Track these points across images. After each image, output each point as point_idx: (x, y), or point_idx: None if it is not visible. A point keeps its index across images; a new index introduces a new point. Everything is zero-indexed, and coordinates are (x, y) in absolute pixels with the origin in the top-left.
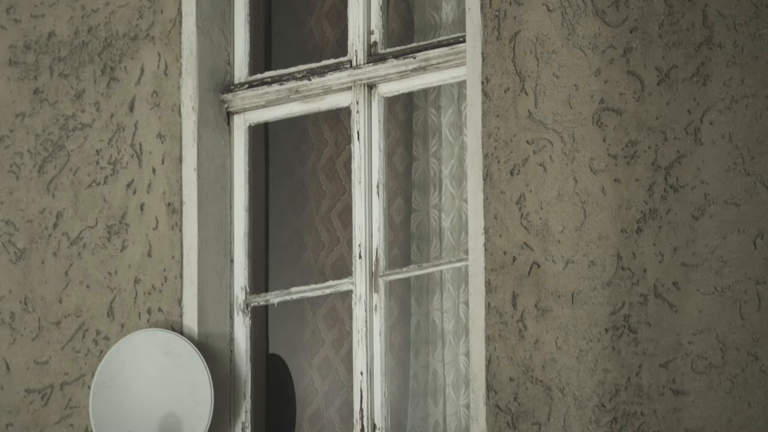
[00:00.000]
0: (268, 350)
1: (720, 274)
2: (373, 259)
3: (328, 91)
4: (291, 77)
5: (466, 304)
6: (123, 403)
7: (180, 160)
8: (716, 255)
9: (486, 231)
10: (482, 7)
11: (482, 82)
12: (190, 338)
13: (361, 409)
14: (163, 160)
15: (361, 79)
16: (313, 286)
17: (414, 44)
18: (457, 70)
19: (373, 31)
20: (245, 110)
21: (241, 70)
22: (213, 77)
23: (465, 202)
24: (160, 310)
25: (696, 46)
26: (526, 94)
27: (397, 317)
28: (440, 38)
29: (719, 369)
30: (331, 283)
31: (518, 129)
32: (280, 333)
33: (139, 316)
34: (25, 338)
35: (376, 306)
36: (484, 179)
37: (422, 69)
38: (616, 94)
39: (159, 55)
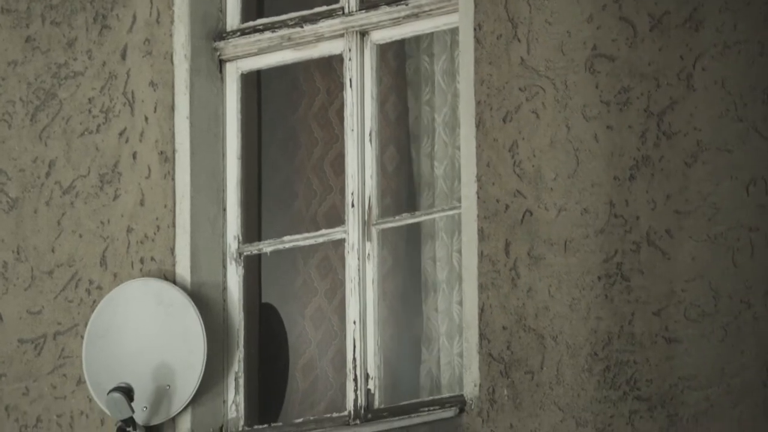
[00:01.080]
0: (261, 299)
1: (713, 221)
2: (366, 207)
3: (320, 38)
4: (283, 24)
5: (460, 252)
6: (116, 352)
7: (172, 108)
8: (709, 202)
9: (479, 179)
10: None
11: (474, 29)
12: (183, 287)
13: (354, 359)
14: (155, 108)
15: (353, 26)
16: (306, 234)
17: None
18: (449, 17)
19: None
20: (237, 58)
21: (233, 18)
22: (205, 25)
23: (458, 150)
24: (152, 259)
25: None
26: (519, 40)
27: (390, 266)
28: None
29: (712, 317)
30: (323, 231)
31: (511, 76)
32: (273, 282)
33: (132, 266)
34: (18, 288)
35: (369, 255)
36: (477, 127)
37: (414, 16)
38: (608, 41)
39: (151, 2)
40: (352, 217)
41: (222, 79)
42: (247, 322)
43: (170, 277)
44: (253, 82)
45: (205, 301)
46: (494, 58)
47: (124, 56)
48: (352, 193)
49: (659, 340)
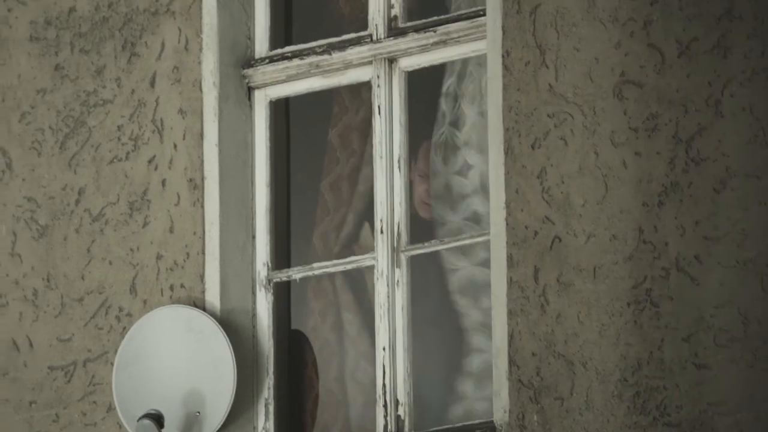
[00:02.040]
0: (291, 326)
1: (742, 247)
2: (395, 234)
3: (348, 65)
4: (311, 52)
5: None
6: (146, 379)
7: (201, 135)
8: (738, 228)
9: (507, 205)
10: None
11: (503, 56)
12: (213, 314)
13: (384, 385)
14: (184, 135)
15: (381, 54)
16: (335, 261)
17: (434, 18)
18: (477, 43)
19: (393, 4)
20: (266, 85)
21: (261, 45)
22: (234, 52)
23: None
24: (182, 286)
25: (716, 18)
26: (547, 67)
27: (419, 291)
28: (460, 12)
29: (741, 342)
30: (352, 258)
31: (539, 102)
32: (303, 308)
33: (162, 293)
34: (48, 315)
35: (398, 281)
36: (505, 153)
37: (443, 43)
38: (636, 67)
39: (179, 30)
40: (381, 243)
41: (251, 107)
42: (277, 348)
43: (200, 304)
44: (281, 109)
45: (235, 327)
46: (522, 84)
47: (152, 84)
48: (381, 220)
49: (689, 365)
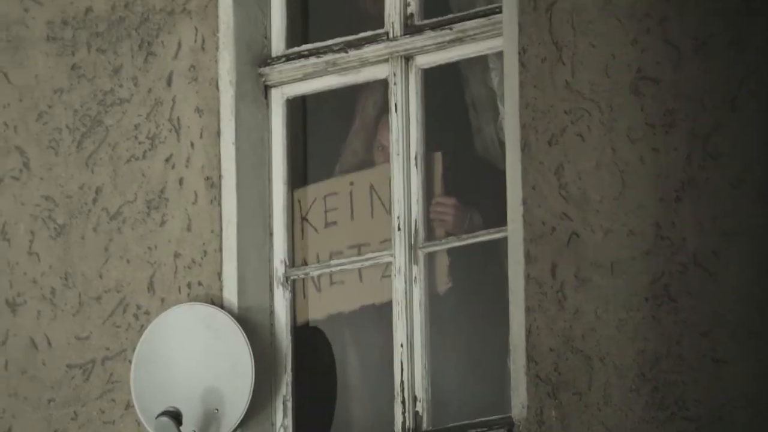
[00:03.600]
0: (309, 323)
1: (759, 243)
2: (412, 231)
3: (365, 63)
4: (328, 50)
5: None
6: (164, 377)
7: (218, 134)
8: (755, 223)
9: (525, 201)
10: None
11: (519, 53)
12: (231, 312)
13: (402, 381)
14: (201, 134)
15: (398, 51)
16: (353, 258)
17: (450, 15)
18: (493, 41)
19: (409, 2)
20: (283, 83)
21: (278, 44)
22: (250, 51)
23: None
24: (200, 284)
25: (733, 13)
26: (563, 63)
27: (438, 288)
28: (476, 9)
29: (759, 337)
30: (370, 255)
31: (556, 99)
32: (321, 305)
33: (179, 291)
34: (66, 314)
35: (415, 278)
36: (522, 150)
37: (459, 40)
38: (653, 63)
39: (196, 29)
40: (399, 240)
41: (267, 105)
42: (295, 345)
43: (217, 302)
44: (298, 106)
45: (252, 325)
46: (539, 81)
47: (169, 83)
48: (399, 217)
49: (707, 360)
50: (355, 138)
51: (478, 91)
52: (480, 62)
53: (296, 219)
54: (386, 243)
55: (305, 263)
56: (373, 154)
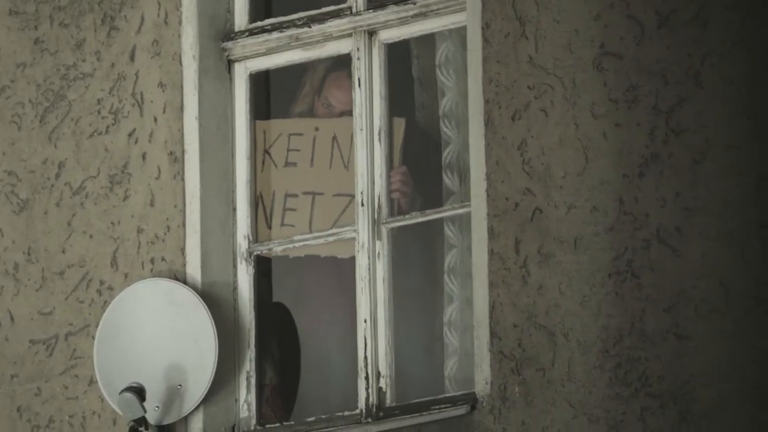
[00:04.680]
0: (272, 298)
1: (723, 218)
2: (375, 206)
3: (328, 38)
4: (291, 24)
5: (469, 249)
6: (127, 352)
7: (181, 108)
8: (718, 199)
9: (488, 177)
10: None
11: (482, 28)
12: (194, 287)
13: (366, 357)
14: (164, 109)
15: (361, 26)
16: (316, 234)
17: None
18: (457, 15)
19: None
20: (246, 58)
21: (241, 18)
22: (213, 25)
23: None
24: (163, 259)
25: None
26: (527, 39)
27: (401, 263)
28: None
29: (723, 313)
30: (333, 231)
31: (519, 74)
32: (284, 281)
33: (143, 266)
34: (29, 289)
35: (379, 253)
36: (486, 125)
37: (422, 15)
38: (616, 39)
39: (159, 3)
40: (362, 216)
41: (231, 80)
42: (258, 320)
43: (181, 277)
44: (261, 81)
45: (216, 300)
46: (502, 56)
47: (132, 57)
48: (362, 193)
49: (670, 336)
50: (302, 101)
51: (424, 66)
52: (428, 39)
53: (259, 150)
54: (339, 198)
55: (262, 197)
56: (319, 111)
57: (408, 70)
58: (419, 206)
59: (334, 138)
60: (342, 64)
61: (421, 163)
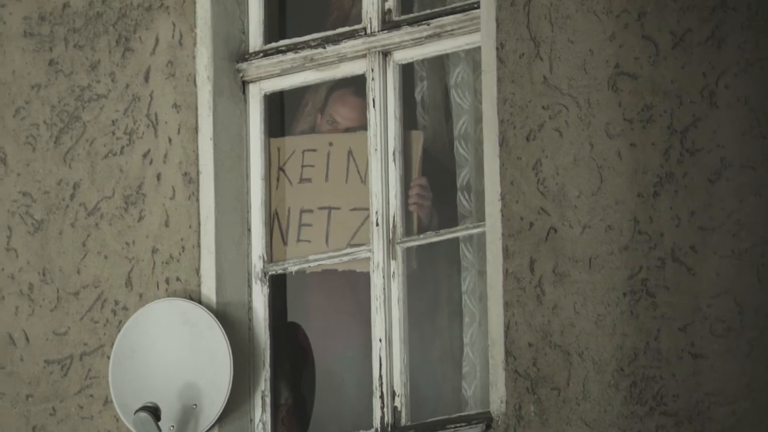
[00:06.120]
0: (287, 318)
1: (737, 237)
2: (390, 226)
3: (342, 59)
4: (305, 45)
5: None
6: (142, 372)
7: (196, 129)
8: (733, 218)
9: (503, 197)
10: None
11: (497, 48)
12: (209, 307)
13: (381, 376)
14: (179, 129)
15: (375, 47)
16: (331, 253)
17: (428, 11)
18: (471, 36)
19: None
20: (260, 79)
21: (255, 39)
22: (228, 46)
23: None
24: (178, 279)
25: (710, 9)
26: (541, 59)
27: (416, 283)
28: (454, 4)
29: (737, 332)
30: (348, 250)
31: (533, 94)
32: (299, 301)
33: (158, 286)
34: (44, 309)
35: (393, 273)
36: (500, 145)
37: (437, 36)
38: (631, 59)
39: (173, 24)
40: (377, 235)
41: (245, 100)
42: (273, 340)
43: (195, 297)
44: (276, 102)
45: (231, 320)
46: (517, 77)
47: (147, 78)
48: (377, 212)
49: (685, 355)
50: (305, 119)
51: (432, 90)
52: (437, 62)
53: (273, 167)
54: (356, 212)
55: (277, 214)
56: (323, 128)
57: (421, 90)
58: (436, 225)
59: (350, 152)
60: (346, 81)
61: (436, 185)
